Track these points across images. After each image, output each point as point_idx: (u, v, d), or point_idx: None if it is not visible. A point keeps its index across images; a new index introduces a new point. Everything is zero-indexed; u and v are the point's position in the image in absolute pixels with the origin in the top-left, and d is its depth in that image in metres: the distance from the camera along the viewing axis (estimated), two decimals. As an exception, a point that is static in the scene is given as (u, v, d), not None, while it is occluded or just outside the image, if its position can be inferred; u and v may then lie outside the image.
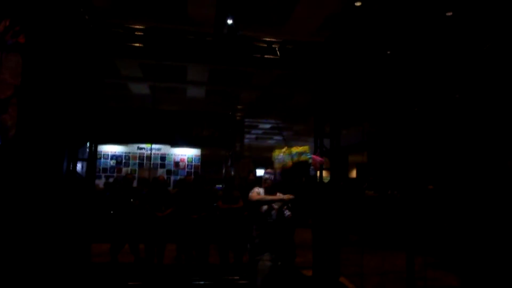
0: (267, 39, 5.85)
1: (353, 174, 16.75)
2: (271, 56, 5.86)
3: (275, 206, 3.92)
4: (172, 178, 10.74)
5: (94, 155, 5.87)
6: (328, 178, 6.35)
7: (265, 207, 3.90)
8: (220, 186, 9.42)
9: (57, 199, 4.80)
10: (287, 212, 3.87)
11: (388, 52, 6.58)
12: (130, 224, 6.30)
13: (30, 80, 4.87)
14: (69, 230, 4.99)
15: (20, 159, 4.66)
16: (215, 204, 6.65)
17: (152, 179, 8.37)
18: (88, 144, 5.88)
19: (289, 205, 3.91)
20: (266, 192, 3.98)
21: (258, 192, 3.99)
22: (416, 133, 7.09)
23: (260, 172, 12.67)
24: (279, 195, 3.94)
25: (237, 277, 5.75)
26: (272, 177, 3.99)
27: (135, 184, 9.64)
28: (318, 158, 4.34)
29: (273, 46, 5.83)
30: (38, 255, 4.45)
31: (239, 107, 10.58)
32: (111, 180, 9.97)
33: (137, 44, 5.55)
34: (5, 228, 4.29)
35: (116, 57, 7.98)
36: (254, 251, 3.93)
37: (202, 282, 5.52)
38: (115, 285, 5.33)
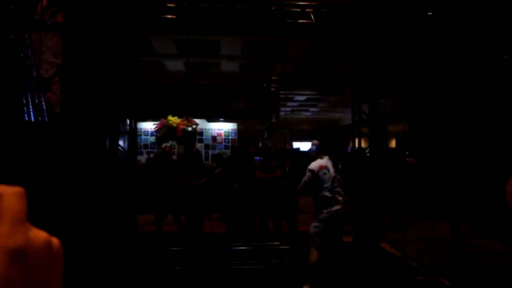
0: (300, 3, 5.69)
1: (393, 144, 16.33)
2: (305, 21, 5.71)
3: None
4: (210, 152, 10.92)
5: (134, 131, 6.05)
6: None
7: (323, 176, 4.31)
8: (258, 158, 9.50)
9: (102, 172, 5.02)
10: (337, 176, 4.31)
11: (429, 13, 6.23)
12: (171, 195, 6.50)
13: (71, 59, 5.04)
14: (115, 202, 5.23)
15: (66, 135, 4.89)
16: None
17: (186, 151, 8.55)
18: (128, 121, 6.06)
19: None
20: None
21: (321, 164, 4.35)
22: (459, 99, 6.75)
23: (296, 144, 12.59)
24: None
25: (278, 243, 5.84)
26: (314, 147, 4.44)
27: (174, 158, 9.88)
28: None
29: (307, 10, 5.66)
30: (88, 225, 4.70)
31: (273, 78, 10.47)
32: (151, 155, 10.29)
33: (170, 16, 5.57)
34: (57, 201, 4.55)
35: (151, 32, 8.06)
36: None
37: (243, 248, 5.65)
38: (160, 252, 5.56)
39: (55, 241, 0.38)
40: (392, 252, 5.66)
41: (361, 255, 5.57)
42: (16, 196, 0.36)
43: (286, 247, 5.68)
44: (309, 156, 4.50)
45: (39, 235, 0.36)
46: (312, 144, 4.45)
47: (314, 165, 4.28)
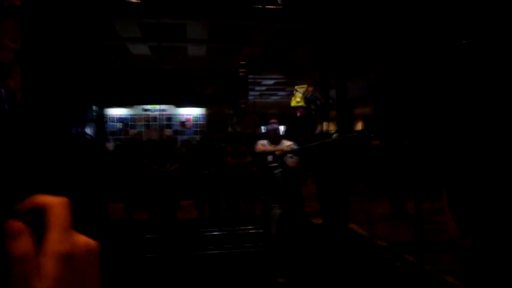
0: (268, -12, 5.68)
1: (359, 126, 16.75)
2: (273, 7, 5.71)
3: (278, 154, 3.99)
4: (179, 138, 10.83)
5: (101, 118, 5.91)
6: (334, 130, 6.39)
7: (270, 157, 4.01)
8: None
9: (70, 161, 4.89)
10: (289, 160, 3.98)
11: (393, -2, 6.37)
12: (142, 183, 6.44)
13: (30, 44, 4.81)
14: (84, 191, 5.12)
15: (28, 122, 4.71)
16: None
17: (159, 138, 8.47)
18: (94, 107, 5.90)
19: (292, 154, 4.00)
20: (270, 143, 4.04)
21: (262, 144, 4.07)
22: (422, 81, 7.00)
23: (264, 128, 12.68)
24: (283, 145, 4.01)
25: (250, 227, 5.95)
26: (275, 126, 4.08)
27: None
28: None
29: (274, -5, 5.66)
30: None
31: (241, 63, 10.44)
32: (119, 143, 10.10)
33: (135, 0, 5.41)
34: (20, 190, 4.40)
35: (115, 16, 7.80)
36: (267, 200, 4.06)
37: (216, 233, 5.72)
38: (133, 239, 5.54)
39: (94, 244, 0.41)
40: (360, 232, 5.90)
41: (330, 236, 5.77)
42: (62, 206, 0.40)
43: (259, 231, 5.79)
44: (270, 135, 4.19)
45: (82, 240, 0.40)
46: (274, 123, 4.21)
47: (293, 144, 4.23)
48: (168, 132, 10.73)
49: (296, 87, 7.27)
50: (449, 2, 6.45)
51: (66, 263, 0.37)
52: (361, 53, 8.46)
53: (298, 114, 8.53)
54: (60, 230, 0.38)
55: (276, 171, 4.01)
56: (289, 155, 4.04)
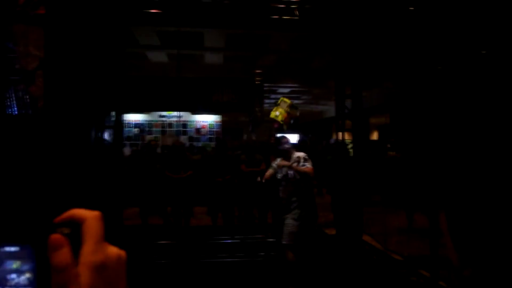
0: (285, -1, 5.72)
1: (375, 136, 16.61)
2: (290, 17, 5.75)
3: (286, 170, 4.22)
4: (195, 144, 10.93)
5: (119, 124, 6.02)
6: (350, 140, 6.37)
7: (279, 174, 4.26)
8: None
9: (88, 166, 4.99)
10: (290, 174, 4.15)
11: (411, 8, 6.35)
12: (156, 188, 6.51)
13: (54, 52, 4.96)
14: (101, 195, 5.21)
15: (50, 128, 4.84)
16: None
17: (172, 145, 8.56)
18: (113, 113, 6.02)
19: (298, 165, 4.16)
20: (284, 159, 4.23)
21: (273, 167, 4.31)
22: (440, 92, 6.92)
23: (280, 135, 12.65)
24: (294, 159, 4.17)
25: (263, 235, 5.95)
26: (287, 146, 4.28)
27: (159, 150, 9.86)
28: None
29: (291, 6, 5.70)
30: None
31: (257, 71, 10.50)
32: (134, 148, 10.24)
33: (155, 11, 5.53)
34: (43, 194, 4.52)
35: (135, 25, 7.96)
36: (281, 211, 4.15)
37: (229, 241, 5.74)
38: (146, 245, 5.59)
39: (123, 254, 0.46)
40: (373, 245, 5.84)
41: (344, 247, 5.72)
42: (96, 219, 0.44)
43: (271, 239, 5.79)
44: (283, 153, 4.29)
45: (113, 251, 0.44)
46: (285, 142, 4.31)
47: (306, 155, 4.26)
48: (183, 138, 10.84)
49: (282, 98, 7.34)
50: (469, 12, 6.39)
51: (100, 272, 0.41)
52: (377, 62, 8.43)
53: (275, 126, 8.66)
54: (95, 242, 0.42)
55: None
56: (302, 162, 4.15)
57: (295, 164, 4.13)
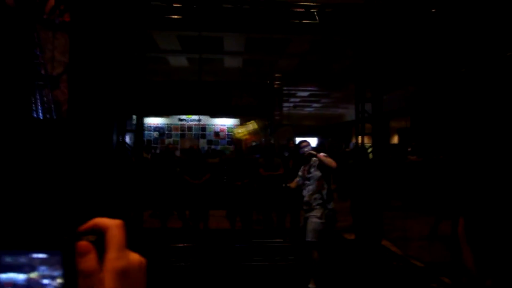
0: (305, 3, 5.72)
1: (395, 140, 16.37)
2: (309, 21, 5.75)
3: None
4: (213, 147, 11.00)
5: (140, 127, 6.13)
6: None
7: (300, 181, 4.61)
8: (259, 155, 9.59)
9: (110, 169, 5.10)
10: (314, 173, 4.41)
11: (433, 10, 6.25)
12: (175, 192, 6.56)
13: (78, 57, 5.10)
14: (122, 198, 5.31)
15: (73, 132, 4.97)
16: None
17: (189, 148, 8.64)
18: (134, 117, 6.13)
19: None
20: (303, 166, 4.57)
21: (299, 175, 4.63)
22: (463, 95, 6.78)
23: (298, 140, 12.65)
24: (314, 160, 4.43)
25: (281, 240, 5.94)
26: (306, 150, 4.53)
27: (178, 154, 9.97)
28: None
29: (311, 10, 5.70)
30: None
31: (276, 75, 10.52)
32: (153, 151, 10.37)
33: (176, 16, 5.61)
34: (66, 198, 4.63)
35: (155, 29, 8.09)
36: (305, 210, 4.44)
37: (247, 245, 5.75)
38: (165, 248, 5.66)
39: (143, 261, 0.49)
40: (393, 250, 5.75)
41: (363, 252, 5.66)
42: (118, 228, 0.47)
43: (289, 244, 5.78)
44: (304, 158, 4.56)
45: (135, 257, 0.47)
46: (304, 146, 4.55)
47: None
48: (202, 142, 10.93)
49: (252, 121, 7.78)
50: (492, 14, 6.25)
51: (122, 278, 0.44)
52: (398, 65, 8.32)
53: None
54: (118, 249, 0.45)
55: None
56: (323, 154, 4.41)
57: (302, 179, 4.51)
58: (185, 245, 5.73)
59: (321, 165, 4.32)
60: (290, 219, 6.65)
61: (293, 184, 4.66)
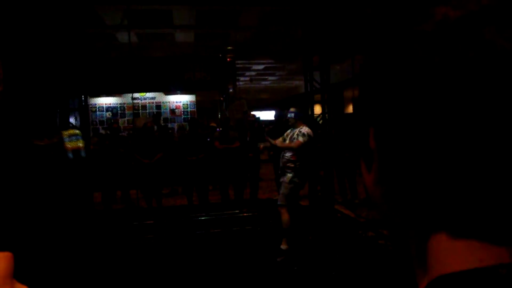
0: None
1: (350, 109, 16.78)
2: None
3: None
4: (170, 125, 10.82)
5: (85, 107, 5.91)
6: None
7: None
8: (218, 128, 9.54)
9: (54, 151, 4.90)
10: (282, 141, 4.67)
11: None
12: (119, 172, 6.39)
13: (10, 32, 4.78)
14: (69, 181, 5.15)
15: (11, 113, 4.70)
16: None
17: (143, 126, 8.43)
18: (80, 97, 5.90)
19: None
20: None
21: (283, 137, 4.75)
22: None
23: (255, 114, 12.68)
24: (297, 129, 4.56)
25: (237, 211, 6.02)
26: (291, 114, 4.62)
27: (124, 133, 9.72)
28: None
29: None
30: (42, 207, 4.63)
31: (229, 48, 10.39)
32: (101, 132, 10.04)
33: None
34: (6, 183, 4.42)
35: (100, 4, 7.72)
36: (279, 176, 4.78)
37: (204, 218, 5.78)
38: (122, 226, 5.58)
39: None
40: (346, 213, 5.99)
41: (317, 216, 5.85)
42: (4, 260, 0.48)
43: (247, 214, 5.88)
44: (288, 123, 4.69)
45: (20, 287, 0.49)
46: (290, 112, 4.57)
47: (308, 130, 4.46)
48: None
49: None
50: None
51: None
52: (347, 35, 8.43)
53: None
54: (2, 278, 0.47)
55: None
56: (295, 136, 4.49)
57: (284, 141, 4.60)
58: (144, 222, 5.68)
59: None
60: (249, 191, 6.74)
61: (277, 141, 4.72)
